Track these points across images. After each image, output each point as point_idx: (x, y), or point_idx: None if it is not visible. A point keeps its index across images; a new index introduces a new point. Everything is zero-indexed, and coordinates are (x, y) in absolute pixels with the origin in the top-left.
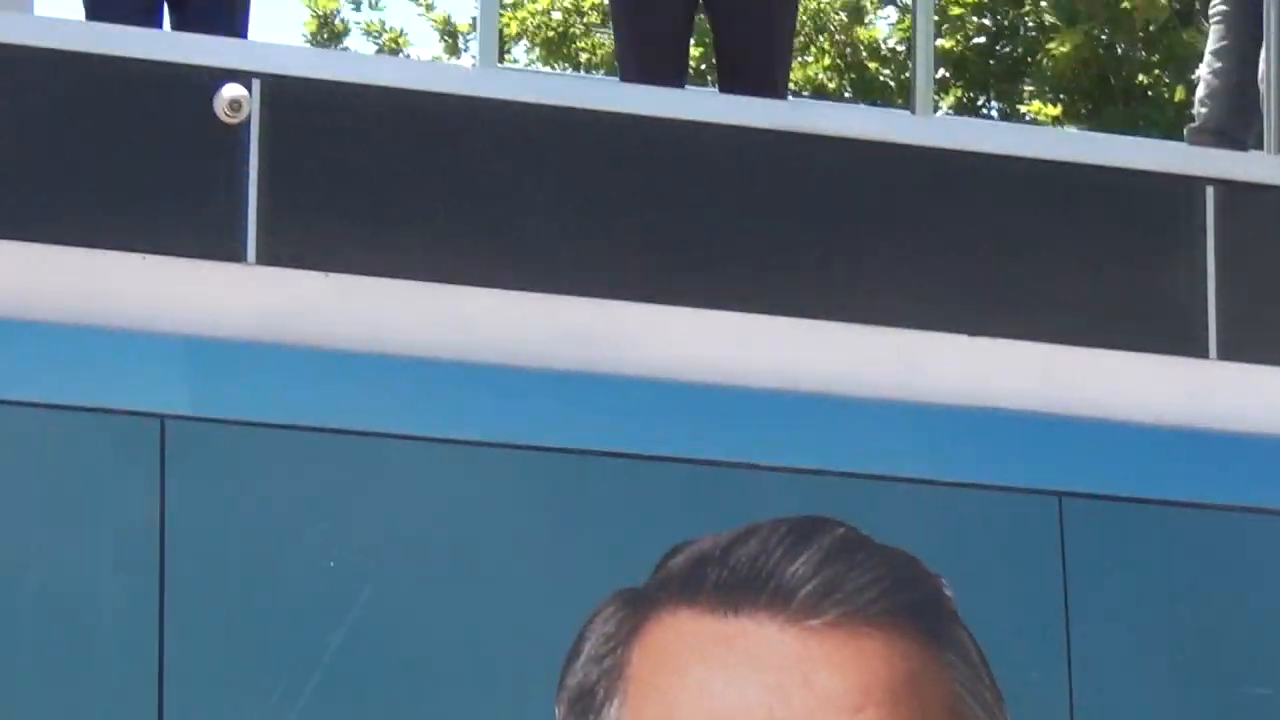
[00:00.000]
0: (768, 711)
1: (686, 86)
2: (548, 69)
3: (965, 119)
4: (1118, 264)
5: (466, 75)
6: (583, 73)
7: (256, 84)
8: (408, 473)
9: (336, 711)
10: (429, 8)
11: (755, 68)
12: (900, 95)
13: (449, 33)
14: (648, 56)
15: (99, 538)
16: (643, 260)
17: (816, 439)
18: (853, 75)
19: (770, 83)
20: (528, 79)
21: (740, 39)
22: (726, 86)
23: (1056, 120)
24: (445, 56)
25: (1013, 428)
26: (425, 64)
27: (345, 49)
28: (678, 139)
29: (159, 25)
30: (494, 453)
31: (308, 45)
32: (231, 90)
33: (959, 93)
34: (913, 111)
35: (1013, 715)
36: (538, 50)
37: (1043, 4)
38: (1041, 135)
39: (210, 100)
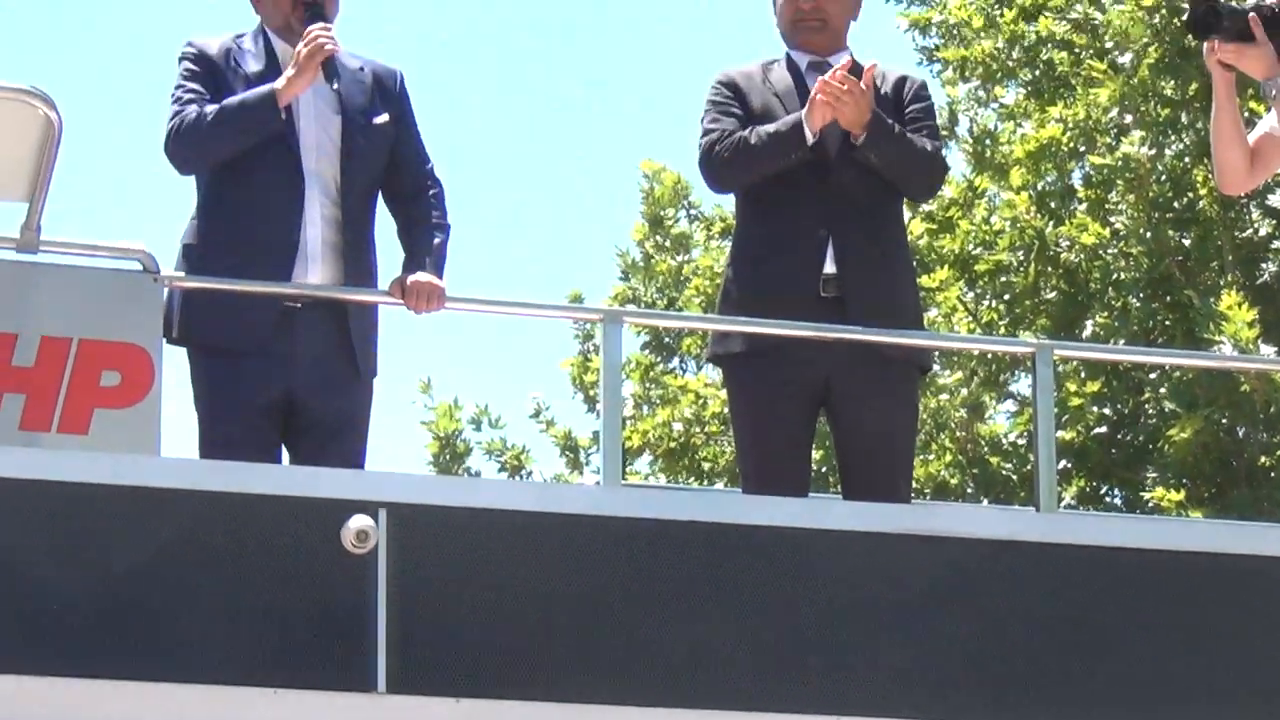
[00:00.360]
0: None
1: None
2: (668, 479)
3: (1090, 514)
4: (1250, 650)
5: (591, 494)
6: (705, 482)
7: (382, 513)
8: None
9: None
10: (549, 424)
11: (879, 474)
12: (1023, 487)
13: (570, 448)
14: (769, 467)
15: None
16: (777, 670)
17: None
18: (974, 470)
19: (893, 487)
20: (652, 496)
21: (863, 446)
22: (850, 493)
23: (1180, 505)
24: (567, 471)
25: None
26: (550, 486)
27: (468, 468)
28: (804, 547)
29: (277, 460)
30: None
31: (430, 468)
32: (358, 521)
33: (1081, 482)
34: (1037, 509)
35: None
36: (659, 461)
37: (1162, 391)
38: (1166, 526)
39: (337, 532)
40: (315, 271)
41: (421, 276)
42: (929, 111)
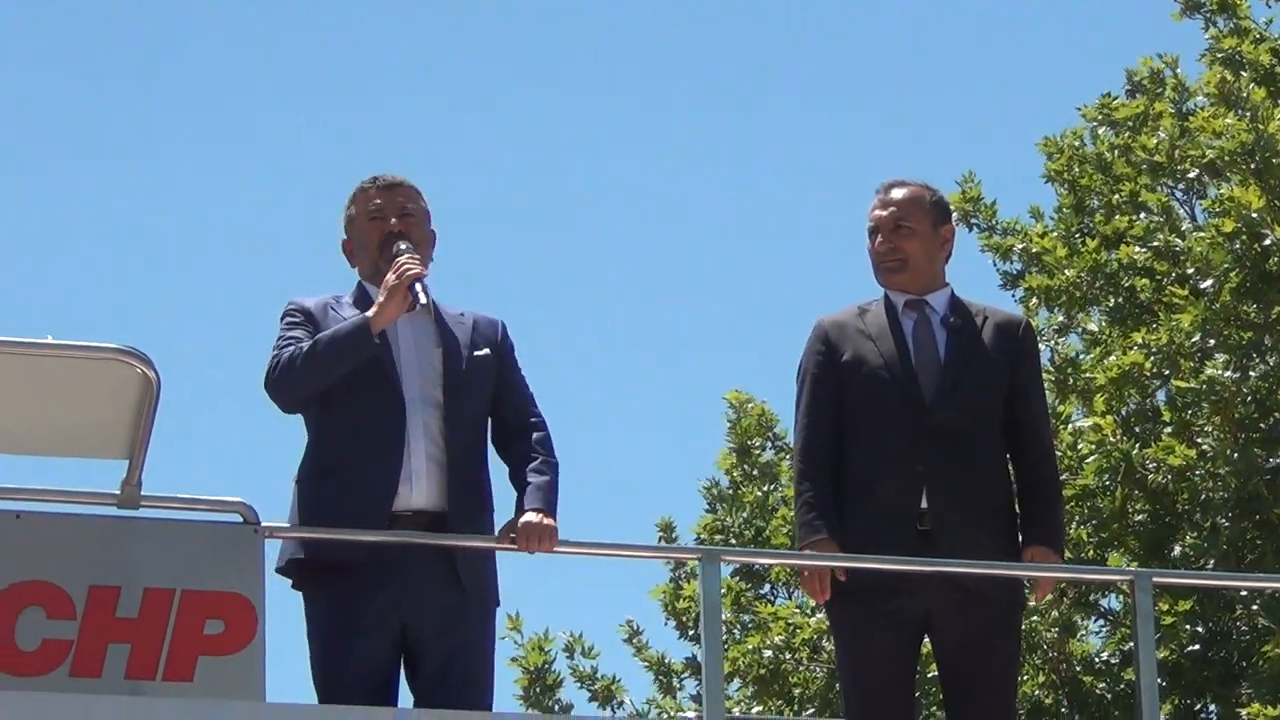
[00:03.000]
0: None
1: None
2: (759, 706)
3: None
4: None
5: None
6: (797, 709)
7: None
8: None
9: None
10: (641, 649)
11: (983, 702)
12: (1116, 706)
13: (663, 672)
14: (873, 700)
15: None
16: None
17: None
18: (1067, 689)
19: (997, 715)
20: None
21: (966, 681)
22: None
23: None
24: (659, 696)
25: None
26: None
27: (559, 700)
28: None
29: (395, 691)
30: None
31: (520, 703)
32: None
33: (1176, 699)
34: None
35: None
36: (751, 688)
37: (1254, 607)
38: None
39: None
40: (419, 490)
41: (532, 517)
42: (1037, 374)
